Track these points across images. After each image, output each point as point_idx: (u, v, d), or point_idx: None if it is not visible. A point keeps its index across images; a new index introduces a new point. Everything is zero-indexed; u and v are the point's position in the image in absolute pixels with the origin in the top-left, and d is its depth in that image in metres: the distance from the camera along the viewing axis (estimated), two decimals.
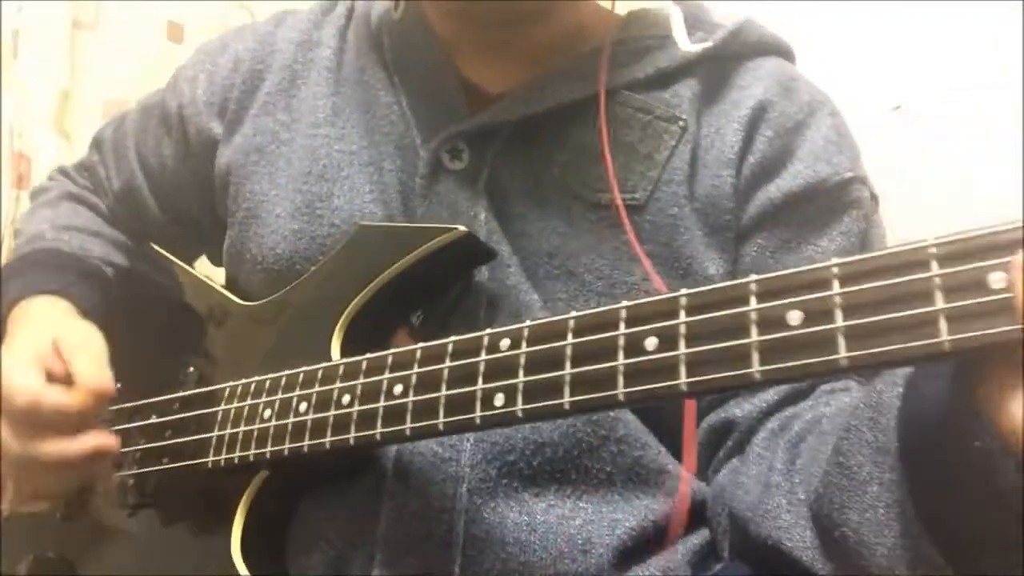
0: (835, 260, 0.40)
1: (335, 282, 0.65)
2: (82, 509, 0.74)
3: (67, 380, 0.68)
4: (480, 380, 0.50)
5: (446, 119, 0.70)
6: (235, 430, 0.63)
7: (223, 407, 0.65)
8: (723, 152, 0.68)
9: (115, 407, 0.72)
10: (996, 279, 0.35)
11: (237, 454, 0.62)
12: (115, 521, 0.72)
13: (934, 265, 0.37)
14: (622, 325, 0.46)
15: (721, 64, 0.71)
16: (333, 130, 0.73)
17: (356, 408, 0.55)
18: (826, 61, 0.92)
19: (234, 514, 0.62)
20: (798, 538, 0.55)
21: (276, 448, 0.59)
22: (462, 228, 0.61)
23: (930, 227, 0.38)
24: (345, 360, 0.58)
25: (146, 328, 0.81)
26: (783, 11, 0.93)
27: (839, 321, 0.39)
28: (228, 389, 0.65)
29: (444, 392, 0.51)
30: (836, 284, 0.39)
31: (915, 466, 0.46)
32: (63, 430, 0.66)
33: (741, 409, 0.65)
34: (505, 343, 0.50)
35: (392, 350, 0.55)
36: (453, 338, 0.52)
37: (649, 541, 0.63)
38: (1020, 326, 0.34)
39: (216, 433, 0.64)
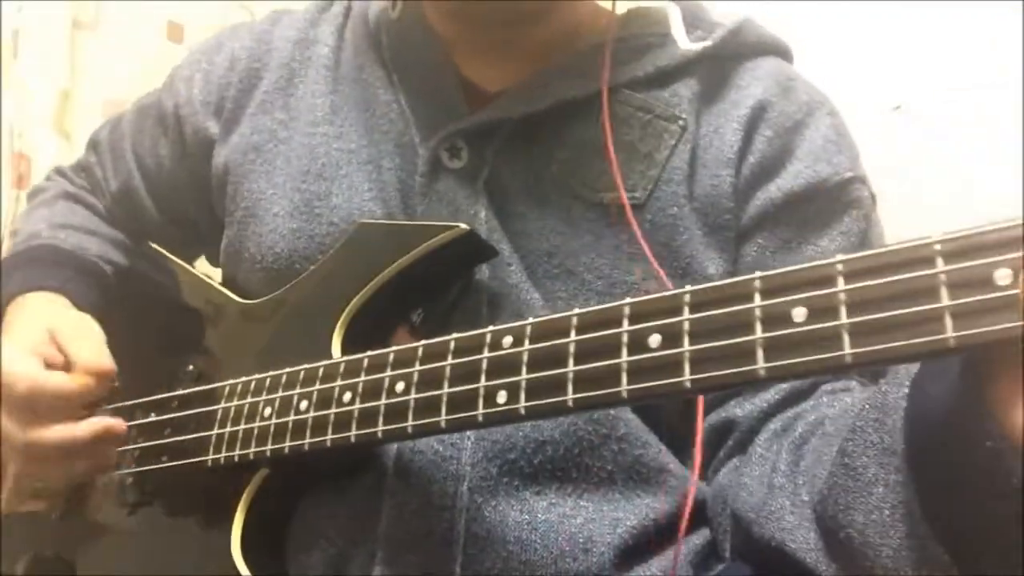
0: (839, 256, 0.40)
1: (335, 280, 0.65)
2: (80, 508, 0.74)
3: (66, 367, 0.68)
4: (483, 377, 0.50)
5: (445, 117, 0.70)
6: (235, 428, 0.62)
7: (223, 405, 0.65)
8: (722, 152, 0.68)
9: (114, 405, 0.72)
10: (1002, 275, 0.35)
11: (237, 452, 0.62)
12: (114, 520, 0.71)
13: (939, 262, 0.37)
14: (625, 322, 0.45)
15: (720, 64, 0.71)
16: (331, 128, 0.73)
17: (357, 406, 0.55)
18: (826, 61, 0.92)
19: (234, 512, 0.62)
20: (802, 539, 0.54)
21: (277, 446, 0.59)
22: (463, 226, 0.61)
23: (930, 227, 0.38)
24: (346, 358, 0.58)
25: (145, 326, 0.81)
26: (783, 11, 0.93)
27: (843, 318, 0.39)
28: (228, 387, 0.65)
29: (446, 390, 0.51)
30: (841, 281, 0.39)
31: (921, 467, 0.45)
32: (67, 415, 0.66)
33: (742, 409, 0.65)
34: (508, 340, 0.50)
35: (394, 348, 0.55)
36: (455, 335, 0.52)
37: (650, 540, 0.62)
38: None
39: (216, 431, 0.64)
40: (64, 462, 0.68)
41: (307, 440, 0.57)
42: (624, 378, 0.44)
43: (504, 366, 0.49)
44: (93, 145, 0.91)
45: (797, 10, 1.04)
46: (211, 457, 0.64)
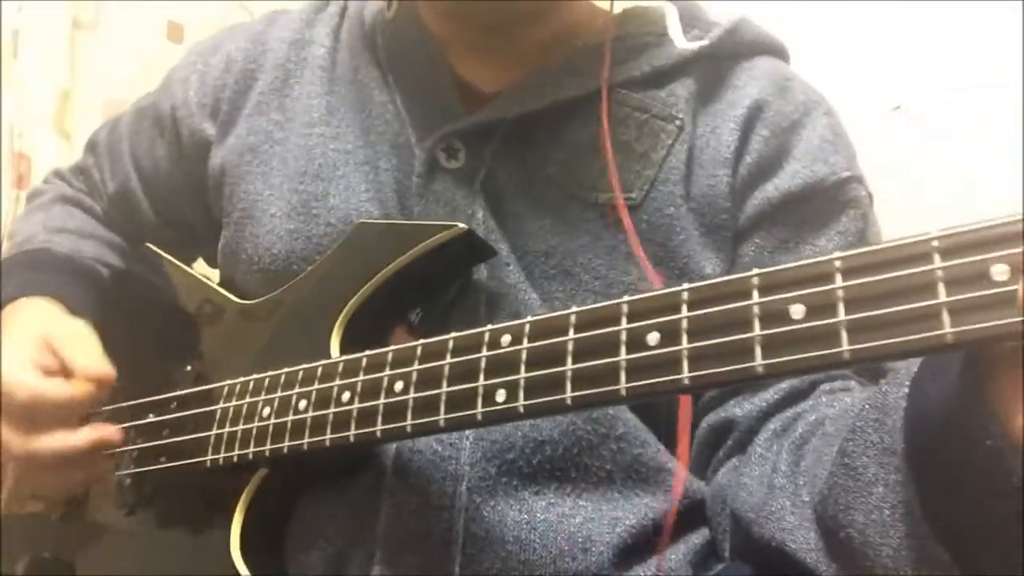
0: (837, 253, 0.40)
1: (334, 280, 0.65)
2: (80, 509, 0.73)
3: (64, 374, 0.68)
4: (481, 376, 0.49)
5: (441, 118, 0.70)
6: (234, 428, 0.62)
7: (221, 405, 0.64)
8: (719, 152, 0.68)
9: (111, 407, 0.72)
10: (999, 271, 0.35)
11: (236, 452, 0.62)
12: (113, 521, 0.71)
13: (936, 258, 0.37)
14: (624, 320, 0.45)
15: (717, 64, 0.71)
16: (328, 129, 0.73)
17: (356, 405, 0.55)
18: (825, 61, 0.92)
19: (233, 512, 0.62)
20: (802, 539, 0.54)
21: (275, 446, 0.59)
22: (462, 225, 0.61)
23: (930, 227, 0.38)
24: (345, 357, 0.58)
25: (143, 328, 0.81)
26: (781, 11, 0.93)
27: (841, 314, 0.39)
28: (226, 387, 0.65)
29: (445, 388, 0.51)
30: (838, 277, 0.39)
31: (921, 466, 0.45)
32: (65, 423, 0.66)
33: (741, 409, 0.65)
34: (506, 339, 0.50)
35: (392, 347, 0.55)
36: (454, 334, 0.52)
37: (649, 539, 0.62)
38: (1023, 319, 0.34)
39: (215, 431, 0.64)
40: (62, 471, 0.68)
41: (306, 440, 0.57)
42: (623, 376, 0.44)
43: (503, 365, 0.49)
44: (91, 147, 0.91)
45: (795, 10, 1.04)
46: (210, 457, 0.64)
